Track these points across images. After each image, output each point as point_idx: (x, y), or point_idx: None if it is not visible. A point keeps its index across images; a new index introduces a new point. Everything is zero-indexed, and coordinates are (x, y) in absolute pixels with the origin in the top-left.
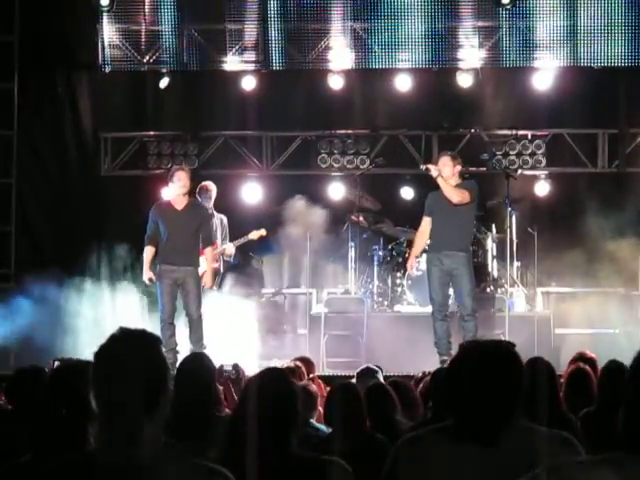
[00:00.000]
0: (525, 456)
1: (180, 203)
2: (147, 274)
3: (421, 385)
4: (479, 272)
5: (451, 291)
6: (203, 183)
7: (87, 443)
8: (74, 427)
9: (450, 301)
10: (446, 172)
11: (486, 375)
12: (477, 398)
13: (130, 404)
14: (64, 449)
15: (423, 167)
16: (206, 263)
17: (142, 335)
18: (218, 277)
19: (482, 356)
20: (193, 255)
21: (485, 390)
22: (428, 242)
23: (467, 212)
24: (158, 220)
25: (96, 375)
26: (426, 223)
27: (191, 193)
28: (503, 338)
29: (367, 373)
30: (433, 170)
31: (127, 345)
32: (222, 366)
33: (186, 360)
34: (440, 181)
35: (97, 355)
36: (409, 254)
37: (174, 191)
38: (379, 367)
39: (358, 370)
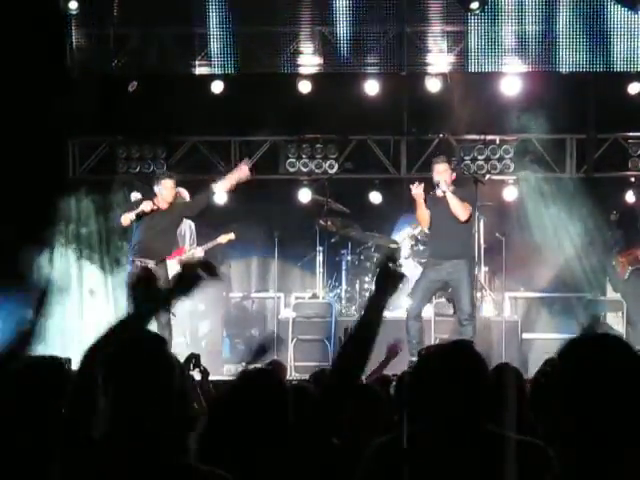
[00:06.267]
0: (494, 462)
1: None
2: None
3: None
4: None
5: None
6: (176, 189)
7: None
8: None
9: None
10: (447, 179)
11: (448, 375)
12: (442, 399)
13: (147, 402)
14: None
15: (439, 191)
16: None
17: (153, 338)
18: None
19: (444, 357)
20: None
21: (449, 391)
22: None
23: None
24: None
25: (111, 376)
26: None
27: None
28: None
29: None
30: (443, 185)
31: (140, 349)
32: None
33: None
34: (450, 197)
35: (110, 359)
36: (377, 259)
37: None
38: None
39: (311, 373)
